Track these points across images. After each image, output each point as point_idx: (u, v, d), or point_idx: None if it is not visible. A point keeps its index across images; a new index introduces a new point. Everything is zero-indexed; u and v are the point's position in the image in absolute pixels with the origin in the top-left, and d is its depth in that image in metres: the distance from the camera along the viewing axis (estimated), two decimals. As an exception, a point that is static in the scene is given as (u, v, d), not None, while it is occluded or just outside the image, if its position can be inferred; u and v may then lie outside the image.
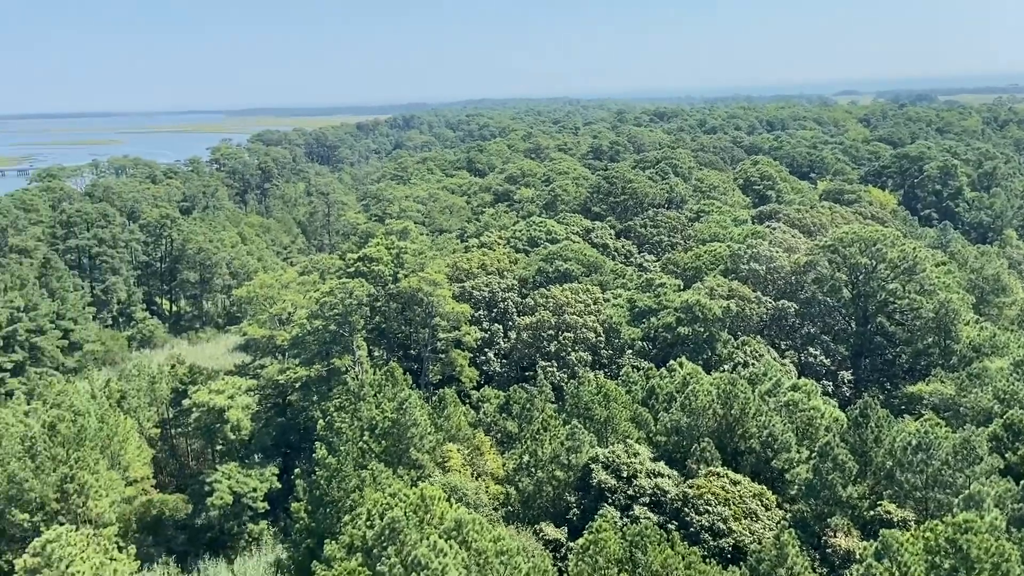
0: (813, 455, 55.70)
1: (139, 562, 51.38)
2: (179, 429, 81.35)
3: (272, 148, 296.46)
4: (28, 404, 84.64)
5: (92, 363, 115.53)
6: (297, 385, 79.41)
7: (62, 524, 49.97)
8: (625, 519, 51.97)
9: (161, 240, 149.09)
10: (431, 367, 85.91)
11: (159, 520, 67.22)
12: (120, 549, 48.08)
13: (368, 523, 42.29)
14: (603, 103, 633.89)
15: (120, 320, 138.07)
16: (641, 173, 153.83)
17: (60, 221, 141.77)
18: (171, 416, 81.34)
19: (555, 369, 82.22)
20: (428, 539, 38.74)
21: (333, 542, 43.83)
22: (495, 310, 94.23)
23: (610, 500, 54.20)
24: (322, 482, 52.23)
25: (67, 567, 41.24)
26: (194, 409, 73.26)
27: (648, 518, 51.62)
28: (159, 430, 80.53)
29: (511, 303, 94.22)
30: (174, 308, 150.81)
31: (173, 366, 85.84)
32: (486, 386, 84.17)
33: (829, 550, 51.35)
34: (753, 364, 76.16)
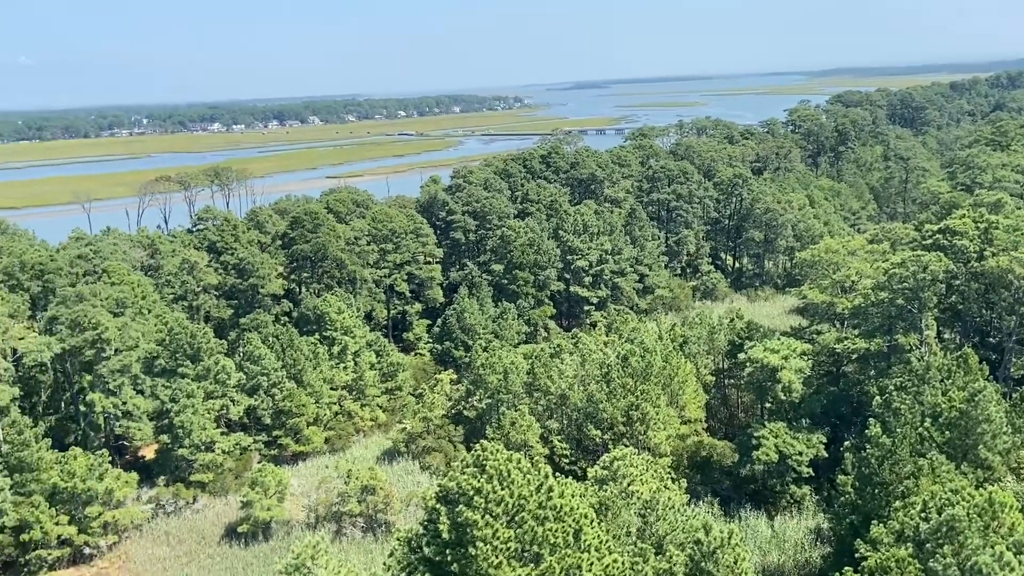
0: None
1: (687, 496, 55.12)
2: (732, 380, 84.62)
3: (851, 110, 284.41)
4: (607, 336, 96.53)
5: (660, 307, 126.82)
6: (854, 356, 76.45)
7: (626, 447, 56.02)
8: None
9: (731, 198, 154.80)
10: (1014, 360, 74.96)
11: (707, 462, 71.18)
12: (673, 480, 52.14)
13: (923, 515, 39.04)
14: None
15: (687, 271, 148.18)
16: None
17: (646, 176, 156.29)
18: (725, 367, 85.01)
19: None
20: (993, 548, 34.30)
21: (880, 525, 41.54)
22: (1111, 304, 77.75)
23: None
24: (873, 461, 49.74)
25: (628, 484, 46.25)
26: (748, 364, 75.26)
27: None
28: (714, 378, 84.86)
29: None
30: (736, 264, 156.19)
31: (732, 319, 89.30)
32: (1087, 393, 70.44)
33: None
34: None
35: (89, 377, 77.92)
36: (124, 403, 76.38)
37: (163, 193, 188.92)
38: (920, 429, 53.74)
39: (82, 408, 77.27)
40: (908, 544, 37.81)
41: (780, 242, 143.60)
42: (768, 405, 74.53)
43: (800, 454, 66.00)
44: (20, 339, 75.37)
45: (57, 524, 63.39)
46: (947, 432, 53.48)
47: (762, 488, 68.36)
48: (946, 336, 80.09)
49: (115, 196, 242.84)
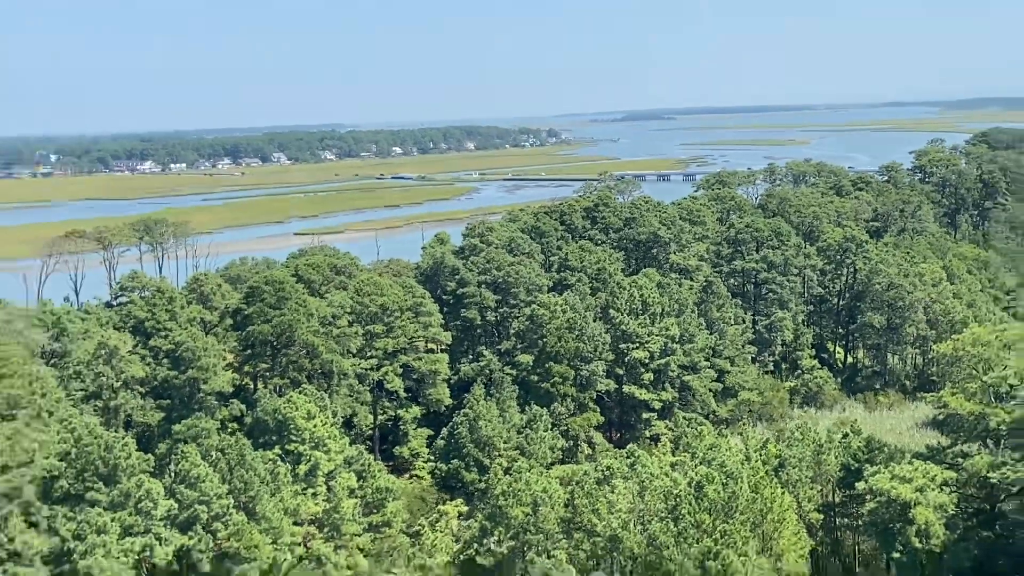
0: None
1: None
2: (847, 520, 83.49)
3: (1001, 153, 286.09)
4: (674, 454, 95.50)
5: (747, 415, 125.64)
6: (1015, 489, 75.34)
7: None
8: None
9: (841, 269, 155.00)
10: None
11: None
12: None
13: None
14: None
15: (783, 367, 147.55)
16: None
17: (727, 238, 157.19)
18: (837, 501, 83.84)
19: None
20: None
21: None
22: None
23: None
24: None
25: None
26: (869, 497, 74.37)
27: None
28: (821, 516, 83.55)
29: None
30: (849, 359, 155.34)
31: (845, 435, 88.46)
32: None
33: None
34: None
35: (-35, 503, 77.91)
36: (11, 540, 75.95)
37: (75, 254, 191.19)
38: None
39: (-45, 545, 77.02)
40: None
41: (908, 329, 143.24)
42: (897, 555, 73.70)
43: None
44: None
45: None
46: None
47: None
48: None
49: (10, 256, 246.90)
